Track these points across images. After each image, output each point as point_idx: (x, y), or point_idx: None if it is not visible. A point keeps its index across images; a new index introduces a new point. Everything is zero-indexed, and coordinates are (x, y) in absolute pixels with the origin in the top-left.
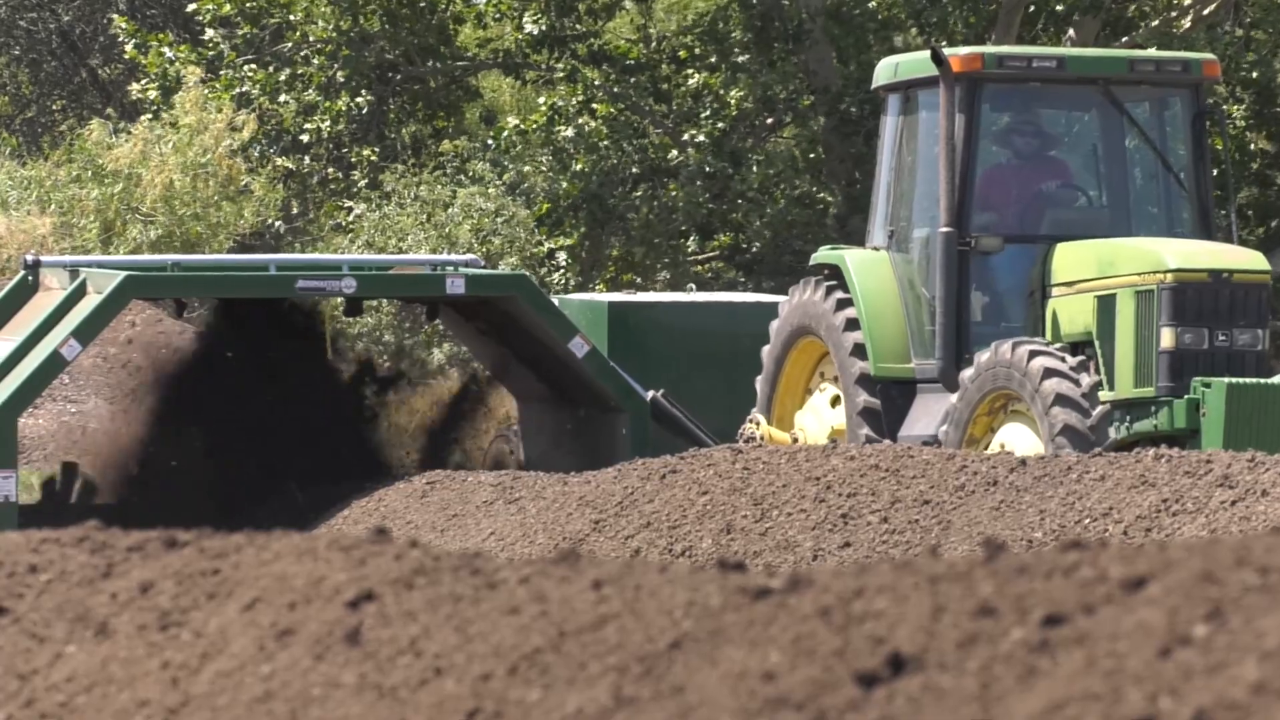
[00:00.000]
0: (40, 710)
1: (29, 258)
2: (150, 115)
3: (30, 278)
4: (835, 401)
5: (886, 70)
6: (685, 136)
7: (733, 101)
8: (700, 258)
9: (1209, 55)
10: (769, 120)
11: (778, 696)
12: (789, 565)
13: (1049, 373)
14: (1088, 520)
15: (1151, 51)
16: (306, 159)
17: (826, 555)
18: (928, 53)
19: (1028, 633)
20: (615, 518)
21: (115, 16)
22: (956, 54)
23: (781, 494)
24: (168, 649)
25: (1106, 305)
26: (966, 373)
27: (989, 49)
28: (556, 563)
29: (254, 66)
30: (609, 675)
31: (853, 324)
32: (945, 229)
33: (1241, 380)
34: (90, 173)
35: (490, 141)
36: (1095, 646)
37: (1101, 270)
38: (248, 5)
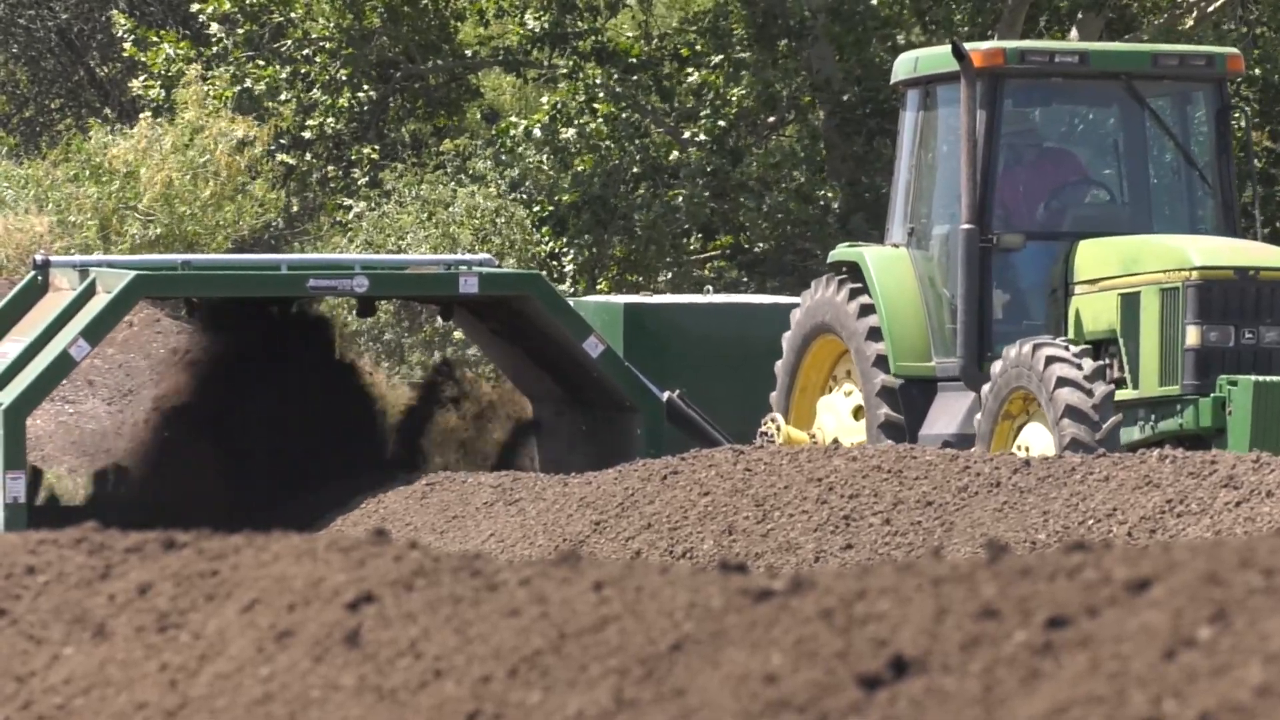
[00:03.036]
0: (38, 712)
1: (39, 257)
2: (150, 113)
3: (40, 278)
4: (858, 413)
5: (906, 65)
6: (686, 134)
7: (735, 99)
8: (702, 257)
9: (1233, 50)
10: (770, 119)
11: (779, 699)
12: (791, 567)
13: (1061, 381)
14: (1091, 521)
15: (1175, 46)
16: (308, 155)
17: (828, 557)
18: (948, 47)
19: (1031, 635)
20: (616, 519)
21: (115, 13)
22: (978, 49)
23: (783, 495)
24: (166, 651)
25: (1130, 303)
26: (992, 372)
27: (1011, 44)
28: (557, 564)
29: (260, 62)
30: (610, 677)
31: (872, 322)
32: (966, 226)
33: (1268, 378)
34: (88, 172)
35: (495, 138)
36: (1099, 649)
37: (1125, 268)
38: (248, 2)
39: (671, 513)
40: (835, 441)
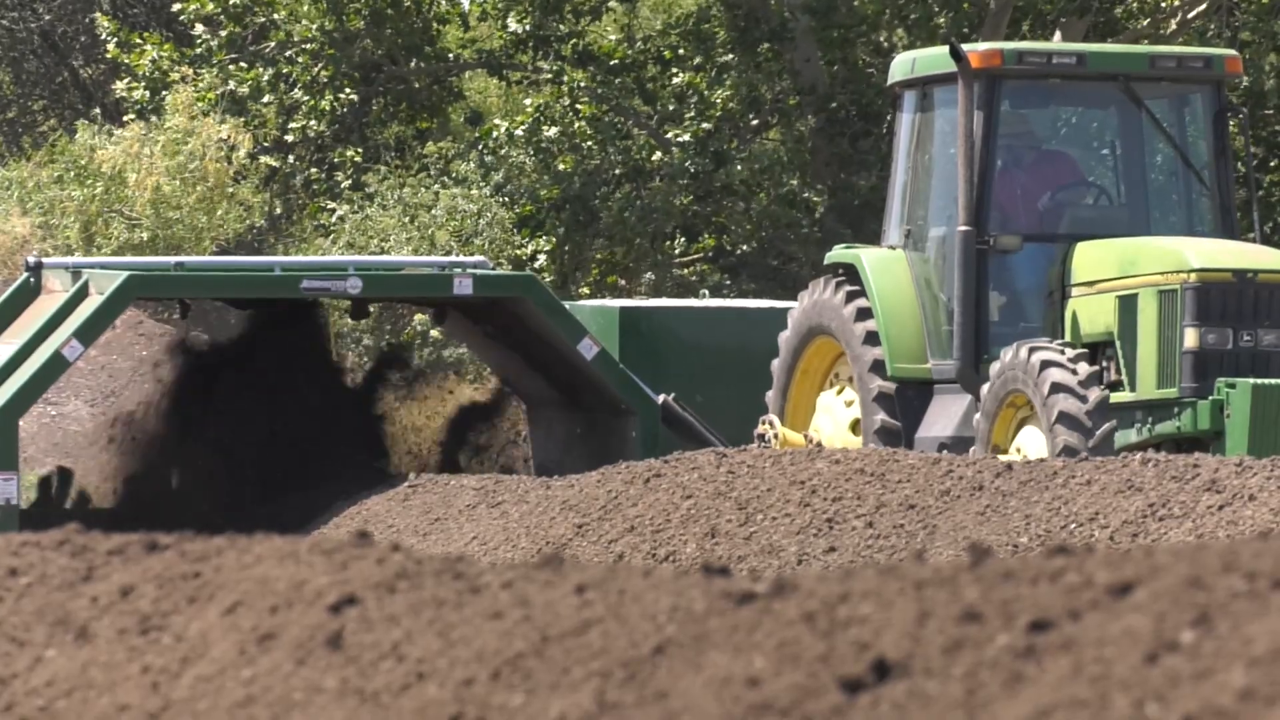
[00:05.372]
0: (20, 714)
1: (31, 259)
2: (135, 115)
3: (32, 279)
4: (856, 428)
5: (903, 66)
6: (670, 135)
7: (718, 102)
8: (684, 259)
9: (1230, 51)
10: (754, 121)
11: (762, 702)
12: (773, 570)
13: (1056, 387)
14: (1074, 525)
15: (1173, 47)
16: (290, 158)
17: (811, 560)
18: (945, 48)
19: (1014, 639)
20: (599, 522)
21: (99, 15)
22: (975, 50)
23: (766, 498)
24: (148, 653)
25: (1128, 305)
26: (989, 376)
27: (1009, 45)
28: (539, 567)
29: (244, 65)
30: (592, 680)
31: (869, 324)
32: (963, 228)
33: (1267, 381)
34: (73, 174)
35: (478, 139)
36: (1082, 653)
37: (1123, 270)
38: (231, 4)
39: (654, 515)
40: (818, 444)
